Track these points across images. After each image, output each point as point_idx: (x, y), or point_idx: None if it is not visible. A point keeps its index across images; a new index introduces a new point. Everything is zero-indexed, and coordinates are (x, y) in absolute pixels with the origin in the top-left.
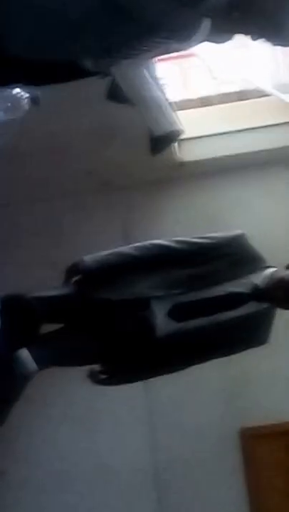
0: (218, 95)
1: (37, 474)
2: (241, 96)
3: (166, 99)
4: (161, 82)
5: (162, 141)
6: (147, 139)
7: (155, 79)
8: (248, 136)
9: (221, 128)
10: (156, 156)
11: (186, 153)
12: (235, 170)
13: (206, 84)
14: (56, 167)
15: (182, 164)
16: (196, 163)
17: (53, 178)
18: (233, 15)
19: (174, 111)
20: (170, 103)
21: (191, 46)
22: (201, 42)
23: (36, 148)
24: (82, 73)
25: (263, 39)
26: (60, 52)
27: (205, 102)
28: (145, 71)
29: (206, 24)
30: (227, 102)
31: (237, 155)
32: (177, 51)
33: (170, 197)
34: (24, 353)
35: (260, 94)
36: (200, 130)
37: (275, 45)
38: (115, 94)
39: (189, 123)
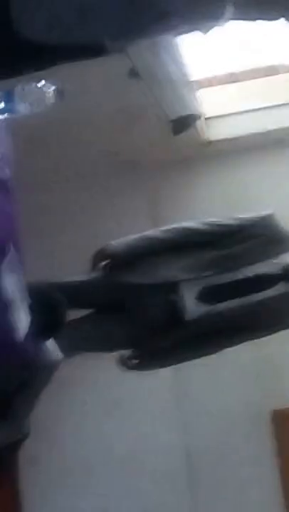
0: (247, 71)
1: (68, 460)
2: (270, 71)
3: (186, 81)
4: (181, 61)
5: (179, 124)
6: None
7: (175, 59)
8: (277, 113)
9: (249, 105)
10: (176, 136)
11: (214, 131)
12: (263, 147)
13: (234, 60)
14: (82, 150)
15: (210, 143)
16: (224, 142)
17: (79, 161)
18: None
19: (195, 92)
20: (190, 84)
21: (214, 28)
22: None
23: (61, 132)
24: (103, 51)
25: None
26: (77, 35)
27: (233, 78)
28: (163, 51)
29: (230, 8)
30: (255, 78)
31: (266, 132)
32: (201, 32)
33: (198, 176)
34: (50, 342)
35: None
36: (228, 107)
37: None
38: (137, 73)
39: (216, 100)
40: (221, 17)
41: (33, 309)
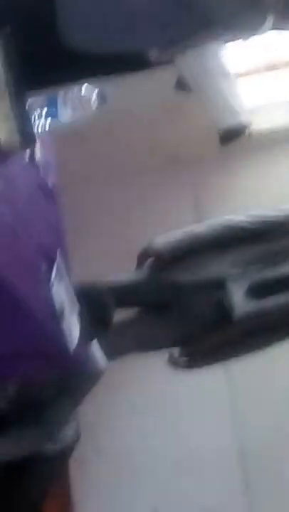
0: (284, 60)
1: (120, 463)
2: None
3: (234, 90)
4: (228, 70)
5: (228, 134)
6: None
7: (222, 68)
8: None
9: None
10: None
11: (255, 122)
12: None
13: (271, 49)
14: (121, 146)
15: (251, 134)
16: (266, 133)
17: (120, 158)
18: None
19: (241, 99)
20: (237, 92)
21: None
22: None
23: (104, 132)
24: (148, 64)
25: None
26: (126, 43)
27: (271, 67)
28: (211, 61)
29: (270, 19)
30: None
31: None
32: (244, 40)
33: (242, 169)
34: (95, 349)
35: None
36: (267, 98)
37: None
38: (184, 84)
39: (256, 90)
40: (261, 27)
41: (83, 313)
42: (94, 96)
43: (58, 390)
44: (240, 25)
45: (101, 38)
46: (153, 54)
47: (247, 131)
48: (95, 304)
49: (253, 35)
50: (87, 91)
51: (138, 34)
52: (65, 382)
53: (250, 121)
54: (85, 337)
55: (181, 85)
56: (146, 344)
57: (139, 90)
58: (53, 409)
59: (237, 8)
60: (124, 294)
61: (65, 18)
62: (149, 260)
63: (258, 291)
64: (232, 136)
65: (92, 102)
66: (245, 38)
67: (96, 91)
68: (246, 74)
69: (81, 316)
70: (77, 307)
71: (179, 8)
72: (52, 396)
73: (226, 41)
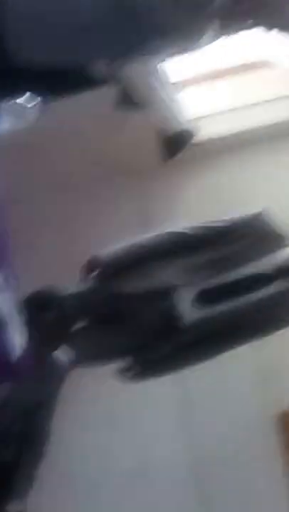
0: (227, 69)
1: (71, 477)
2: (252, 67)
3: (177, 100)
4: (170, 79)
5: (178, 141)
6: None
7: (165, 78)
8: (261, 109)
9: (232, 103)
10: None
11: (198, 132)
12: (251, 145)
13: (214, 58)
14: (65, 158)
15: (195, 145)
16: (211, 142)
17: (63, 170)
18: (241, 11)
19: (184, 109)
20: (181, 104)
21: (200, 47)
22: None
23: (46, 143)
24: (91, 83)
25: (276, 30)
26: (71, 58)
27: (214, 76)
28: (156, 73)
29: (215, 26)
30: (237, 75)
31: (251, 129)
32: (187, 52)
33: (186, 178)
34: (56, 352)
35: (270, 64)
36: (211, 107)
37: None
38: (124, 103)
39: (199, 100)
40: (205, 38)
41: (32, 319)
42: (35, 105)
43: (19, 446)
44: (184, 38)
45: (45, 51)
46: (98, 69)
47: (191, 139)
48: (47, 314)
49: (197, 46)
50: (29, 100)
51: (82, 48)
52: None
53: (194, 130)
54: (35, 347)
55: (124, 99)
56: (96, 356)
57: (82, 101)
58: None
59: (181, 20)
60: (71, 306)
61: (9, 31)
62: (95, 271)
63: (205, 298)
64: (177, 145)
65: (33, 111)
66: (190, 50)
67: (38, 100)
68: (189, 83)
69: (29, 326)
70: (22, 318)
71: (123, 22)
72: (15, 455)
73: (171, 54)
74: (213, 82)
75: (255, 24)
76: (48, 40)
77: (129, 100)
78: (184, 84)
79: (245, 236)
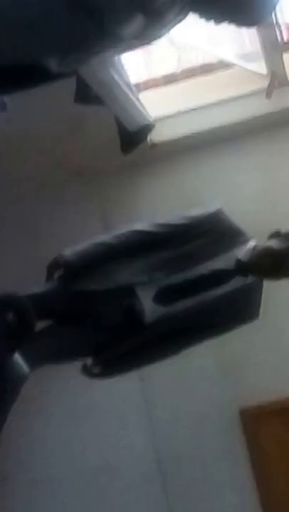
0: (182, 71)
1: (39, 476)
2: (206, 69)
3: (135, 94)
4: (127, 74)
5: (137, 135)
6: (116, 126)
7: (122, 74)
8: (216, 110)
9: (188, 104)
10: (128, 153)
11: (157, 133)
12: (208, 145)
13: (168, 61)
14: (26, 162)
15: (154, 145)
16: (168, 143)
17: (23, 173)
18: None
19: (142, 105)
20: (138, 98)
21: (154, 41)
22: (164, 35)
23: (6, 143)
24: (47, 77)
25: (226, 22)
26: (23, 54)
27: (169, 79)
28: (112, 67)
29: (169, 19)
30: (191, 77)
31: (208, 130)
32: (141, 46)
33: (146, 179)
34: (15, 356)
35: (225, 66)
36: (168, 109)
37: (239, 26)
38: (83, 96)
39: (156, 102)
40: (161, 27)
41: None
42: None
43: None
44: (139, 33)
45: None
46: (54, 64)
47: (149, 133)
48: (15, 315)
49: (148, 40)
50: None
51: (37, 43)
52: None
53: (152, 124)
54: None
55: (82, 97)
56: (60, 354)
57: (41, 101)
58: None
59: (135, 14)
60: (36, 305)
61: None
62: (59, 271)
63: (166, 296)
64: (138, 138)
65: None
66: (141, 45)
67: None
68: (148, 84)
69: None
70: None
71: (76, 17)
72: None
73: (124, 50)
74: (172, 84)
75: (220, 20)
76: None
77: (88, 95)
78: (144, 85)
79: (205, 233)
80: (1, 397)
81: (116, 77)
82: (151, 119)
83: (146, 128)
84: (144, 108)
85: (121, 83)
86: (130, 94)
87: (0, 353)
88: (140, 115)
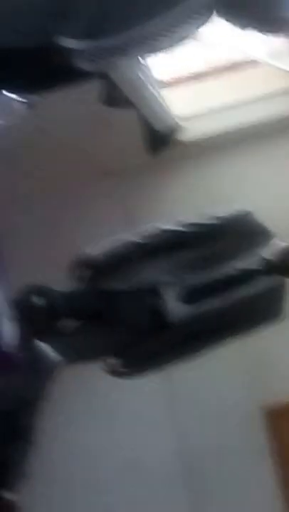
0: (210, 69)
1: (63, 475)
2: (234, 67)
3: (162, 98)
4: (155, 78)
5: (166, 137)
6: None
7: (150, 76)
8: (244, 109)
9: (215, 103)
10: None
11: (183, 132)
12: (235, 145)
13: (196, 59)
14: (49, 159)
15: (180, 144)
16: (194, 142)
17: (47, 171)
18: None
19: (169, 107)
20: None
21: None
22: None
23: (31, 144)
24: (78, 77)
25: (253, 28)
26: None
27: (196, 77)
28: (142, 70)
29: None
30: (219, 75)
31: (235, 129)
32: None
33: (172, 179)
34: (45, 349)
35: (254, 64)
36: (194, 107)
37: (265, 33)
38: (111, 99)
39: (183, 101)
40: (190, 30)
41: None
42: (22, 104)
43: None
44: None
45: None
46: (85, 64)
47: (176, 137)
48: (38, 310)
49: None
50: (15, 99)
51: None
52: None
53: (179, 127)
54: (24, 343)
55: (109, 99)
56: (84, 354)
57: (67, 100)
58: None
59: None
60: (60, 304)
61: None
62: (83, 270)
63: (191, 296)
64: (162, 142)
65: (19, 110)
66: (176, 46)
67: (24, 100)
68: (175, 83)
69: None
70: (12, 312)
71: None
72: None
73: (157, 50)
74: (199, 82)
75: (246, 26)
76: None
77: (115, 96)
78: (171, 83)
79: (232, 233)
80: (33, 394)
81: (144, 78)
82: (177, 125)
83: (175, 129)
84: (170, 113)
85: (149, 84)
86: (156, 98)
87: (29, 349)
88: (169, 117)
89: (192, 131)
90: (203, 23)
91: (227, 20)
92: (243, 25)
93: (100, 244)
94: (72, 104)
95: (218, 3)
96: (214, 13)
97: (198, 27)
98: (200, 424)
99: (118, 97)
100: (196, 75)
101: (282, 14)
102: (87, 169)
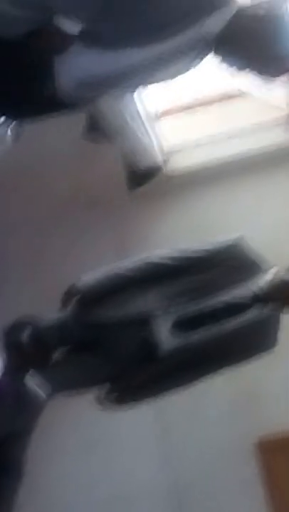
0: (201, 101)
1: (51, 503)
2: (224, 99)
3: (149, 133)
4: (142, 111)
5: (143, 175)
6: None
7: (139, 110)
8: (235, 141)
9: (206, 134)
10: (134, 190)
11: (174, 163)
12: (225, 176)
13: (187, 90)
14: (43, 190)
15: (171, 175)
16: (185, 173)
17: (39, 202)
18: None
19: (155, 142)
20: (152, 136)
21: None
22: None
23: (22, 173)
24: (62, 106)
25: (248, 70)
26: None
27: (188, 108)
28: (129, 104)
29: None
30: (210, 107)
31: (225, 161)
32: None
33: (162, 210)
34: (34, 381)
35: (244, 96)
36: (185, 138)
37: (260, 76)
38: (91, 133)
39: (174, 131)
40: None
41: (11, 350)
42: (7, 133)
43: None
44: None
45: None
46: (70, 95)
47: (157, 174)
48: (27, 343)
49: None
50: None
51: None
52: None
53: (161, 164)
54: (13, 375)
55: (90, 132)
56: (75, 383)
57: (57, 129)
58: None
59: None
60: (51, 333)
61: None
62: (74, 299)
63: (182, 326)
64: (144, 178)
65: (6, 138)
66: (170, 79)
67: (9, 128)
68: (165, 114)
69: (8, 353)
70: (1, 345)
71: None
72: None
73: (145, 84)
74: (189, 113)
75: (243, 68)
76: None
77: (98, 129)
78: (161, 114)
79: (221, 264)
80: (22, 425)
81: (129, 113)
82: (159, 161)
83: (155, 167)
84: (154, 147)
85: (133, 118)
86: (142, 133)
87: (13, 374)
88: (150, 153)
89: (182, 162)
90: (199, 60)
91: (224, 60)
92: (241, 67)
93: (89, 275)
94: (62, 133)
95: (218, 41)
96: (212, 51)
97: (193, 63)
98: (190, 457)
99: (99, 131)
100: (187, 107)
101: (281, 56)
102: (77, 199)
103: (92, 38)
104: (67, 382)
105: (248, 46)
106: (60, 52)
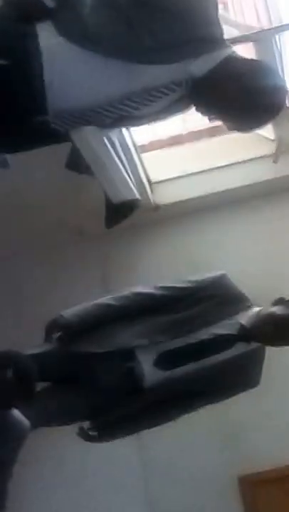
0: (188, 133)
1: None
2: (212, 132)
3: (127, 168)
4: (129, 138)
5: (120, 210)
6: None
7: (116, 145)
8: (222, 174)
9: (193, 167)
10: (110, 227)
11: (160, 196)
12: (212, 209)
13: (174, 123)
14: (26, 222)
15: (157, 208)
16: (172, 206)
17: (23, 232)
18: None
19: (135, 179)
20: (130, 172)
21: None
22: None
23: (6, 204)
24: (48, 139)
25: (222, 121)
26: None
27: (175, 141)
28: (106, 137)
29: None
30: (197, 140)
31: (212, 194)
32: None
33: (147, 241)
34: (16, 412)
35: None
36: (172, 171)
37: (233, 128)
38: (74, 164)
39: (161, 164)
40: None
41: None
42: None
43: None
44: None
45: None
46: (56, 126)
47: (135, 210)
48: (8, 375)
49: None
50: None
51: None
52: None
53: (139, 201)
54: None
55: (73, 165)
56: (57, 417)
57: (42, 160)
58: None
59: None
60: (32, 369)
61: None
62: (57, 333)
63: (166, 361)
64: (121, 213)
65: None
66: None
67: None
68: (153, 146)
69: None
70: None
71: None
72: None
73: (124, 124)
74: (176, 146)
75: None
76: None
77: (79, 164)
78: (148, 147)
79: (208, 298)
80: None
81: (110, 147)
82: (137, 196)
83: (131, 203)
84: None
85: (114, 154)
86: (122, 167)
87: None
88: (128, 190)
89: (169, 194)
90: (178, 110)
91: (197, 109)
92: (215, 119)
93: (75, 308)
94: (46, 164)
95: (196, 88)
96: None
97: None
98: (173, 491)
99: (82, 163)
100: (175, 139)
101: (254, 115)
102: (63, 231)
103: (91, 41)
104: (48, 416)
105: (221, 106)
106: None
